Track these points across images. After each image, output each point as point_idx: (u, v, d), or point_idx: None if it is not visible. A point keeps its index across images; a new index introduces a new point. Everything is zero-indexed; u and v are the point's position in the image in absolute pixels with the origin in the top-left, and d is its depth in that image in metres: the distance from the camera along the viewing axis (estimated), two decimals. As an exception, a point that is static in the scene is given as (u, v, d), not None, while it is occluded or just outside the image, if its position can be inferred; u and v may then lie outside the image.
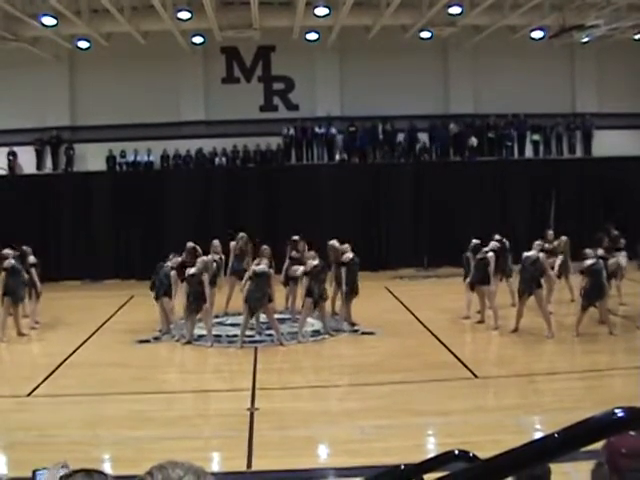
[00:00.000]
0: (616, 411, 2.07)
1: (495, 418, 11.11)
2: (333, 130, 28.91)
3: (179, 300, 17.72)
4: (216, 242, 19.28)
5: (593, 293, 16.43)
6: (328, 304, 18.30)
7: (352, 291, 18.04)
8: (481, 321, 18.33)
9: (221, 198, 27.84)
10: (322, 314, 17.81)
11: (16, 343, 17.56)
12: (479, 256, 18.14)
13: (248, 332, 17.05)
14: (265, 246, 17.78)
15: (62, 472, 4.16)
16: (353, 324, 18.33)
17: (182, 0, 24.05)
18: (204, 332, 17.41)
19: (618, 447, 2.82)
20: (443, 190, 27.92)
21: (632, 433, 2.67)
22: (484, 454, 2.54)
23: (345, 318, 18.41)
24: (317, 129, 28.96)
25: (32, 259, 19.27)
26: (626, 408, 2.07)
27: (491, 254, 18.04)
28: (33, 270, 19.05)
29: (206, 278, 16.98)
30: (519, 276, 17.46)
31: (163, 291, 17.67)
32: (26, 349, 17.53)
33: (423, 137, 29.33)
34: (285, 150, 29.02)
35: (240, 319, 17.28)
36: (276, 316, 18.58)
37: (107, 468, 9.28)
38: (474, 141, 28.82)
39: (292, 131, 29.00)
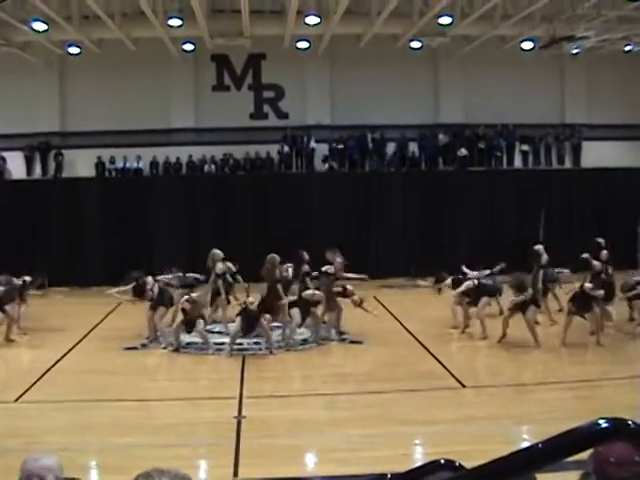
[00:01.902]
0: (600, 422, 2.08)
1: (483, 428, 11.10)
2: (313, 144, 28.95)
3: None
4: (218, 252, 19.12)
5: (582, 304, 16.46)
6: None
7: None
8: (464, 329, 18.40)
9: (210, 206, 27.81)
10: (315, 322, 17.86)
11: (3, 349, 17.51)
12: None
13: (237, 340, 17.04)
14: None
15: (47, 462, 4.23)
16: (341, 333, 18.33)
17: (173, 7, 24.08)
18: (192, 339, 17.42)
19: (607, 456, 2.83)
20: (432, 200, 27.99)
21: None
22: (472, 464, 2.54)
23: (334, 327, 18.40)
24: (306, 139, 29.03)
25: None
26: (610, 419, 2.08)
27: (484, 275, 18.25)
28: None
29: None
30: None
31: (159, 301, 17.78)
32: (13, 355, 17.45)
33: (412, 147, 29.40)
34: (279, 165, 29.11)
35: (230, 327, 17.28)
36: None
37: (94, 475, 9.27)
38: (463, 151, 28.89)
39: (287, 149, 29.04)
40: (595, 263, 18.65)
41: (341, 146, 29.04)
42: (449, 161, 29.37)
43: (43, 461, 4.28)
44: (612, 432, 2.09)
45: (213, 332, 18.52)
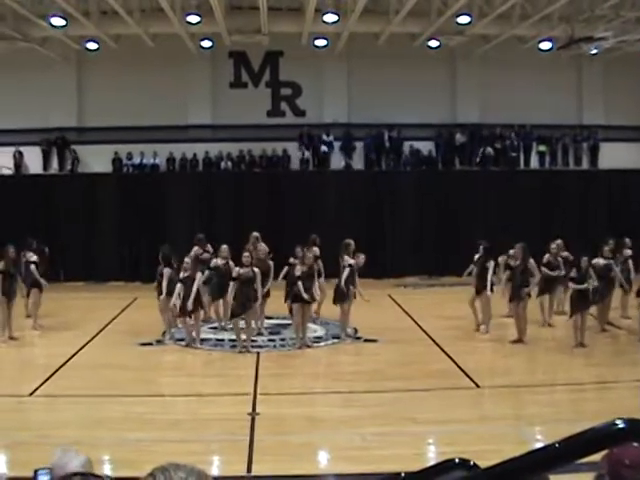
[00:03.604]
0: (617, 422, 2.07)
1: (496, 428, 11.09)
2: (324, 148, 29.02)
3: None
4: (224, 247, 18.96)
5: (580, 302, 16.42)
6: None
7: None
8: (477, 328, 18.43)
9: (226, 202, 27.85)
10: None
11: (18, 343, 17.57)
12: (479, 264, 18.27)
13: (252, 337, 17.03)
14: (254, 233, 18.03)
15: (76, 462, 4.17)
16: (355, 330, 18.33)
17: (191, 4, 24.09)
18: (208, 335, 17.48)
19: (621, 458, 2.82)
20: (448, 199, 27.95)
21: (635, 444, 2.67)
22: (485, 464, 2.53)
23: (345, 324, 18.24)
24: (324, 137, 29.04)
25: (33, 257, 19.30)
26: (627, 419, 2.07)
27: (491, 262, 18.13)
28: (33, 267, 19.08)
29: (199, 278, 16.97)
30: (510, 283, 17.67)
31: (159, 290, 17.68)
32: (28, 349, 17.55)
33: (429, 145, 29.35)
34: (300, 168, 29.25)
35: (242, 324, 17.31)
36: (279, 322, 18.69)
37: (107, 469, 9.29)
38: (490, 151, 28.86)
39: (307, 154, 29.09)
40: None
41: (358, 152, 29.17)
42: (466, 161, 29.32)
43: (71, 465, 4.21)
44: (629, 433, 2.08)
45: (227, 329, 18.52)
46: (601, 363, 15.49)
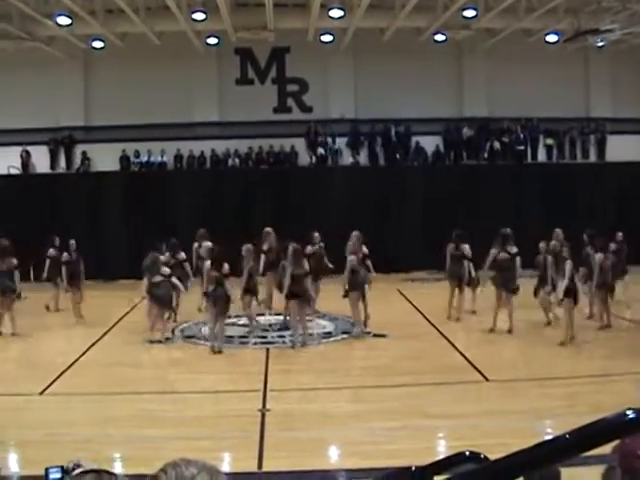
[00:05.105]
0: (627, 412, 2.07)
1: (505, 422, 11.07)
2: (321, 150, 29.02)
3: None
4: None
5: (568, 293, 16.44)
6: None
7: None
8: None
9: (234, 199, 27.84)
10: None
11: (28, 341, 17.62)
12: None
13: (261, 333, 17.06)
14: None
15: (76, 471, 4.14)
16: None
17: (197, 1, 24.11)
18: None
19: (633, 449, 2.82)
20: (456, 193, 27.86)
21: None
22: (494, 457, 2.53)
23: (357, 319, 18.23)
24: (330, 142, 29.09)
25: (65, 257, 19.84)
26: (637, 409, 2.07)
27: (467, 251, 18.37)
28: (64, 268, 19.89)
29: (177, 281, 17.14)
30: (498, 275, 17.65)
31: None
32: (38, 348, 17.56)
33: (436, 140, 29.33)
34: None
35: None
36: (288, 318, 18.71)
37: (117, 467, 9.31)
38: (497, 145, 28.83)
39: (314, 159, 29.15)
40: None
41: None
42: (473, 155, 29.29)
43: None
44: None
45: (237, 325, 18.53)
46: (611, 355, 15.44)
